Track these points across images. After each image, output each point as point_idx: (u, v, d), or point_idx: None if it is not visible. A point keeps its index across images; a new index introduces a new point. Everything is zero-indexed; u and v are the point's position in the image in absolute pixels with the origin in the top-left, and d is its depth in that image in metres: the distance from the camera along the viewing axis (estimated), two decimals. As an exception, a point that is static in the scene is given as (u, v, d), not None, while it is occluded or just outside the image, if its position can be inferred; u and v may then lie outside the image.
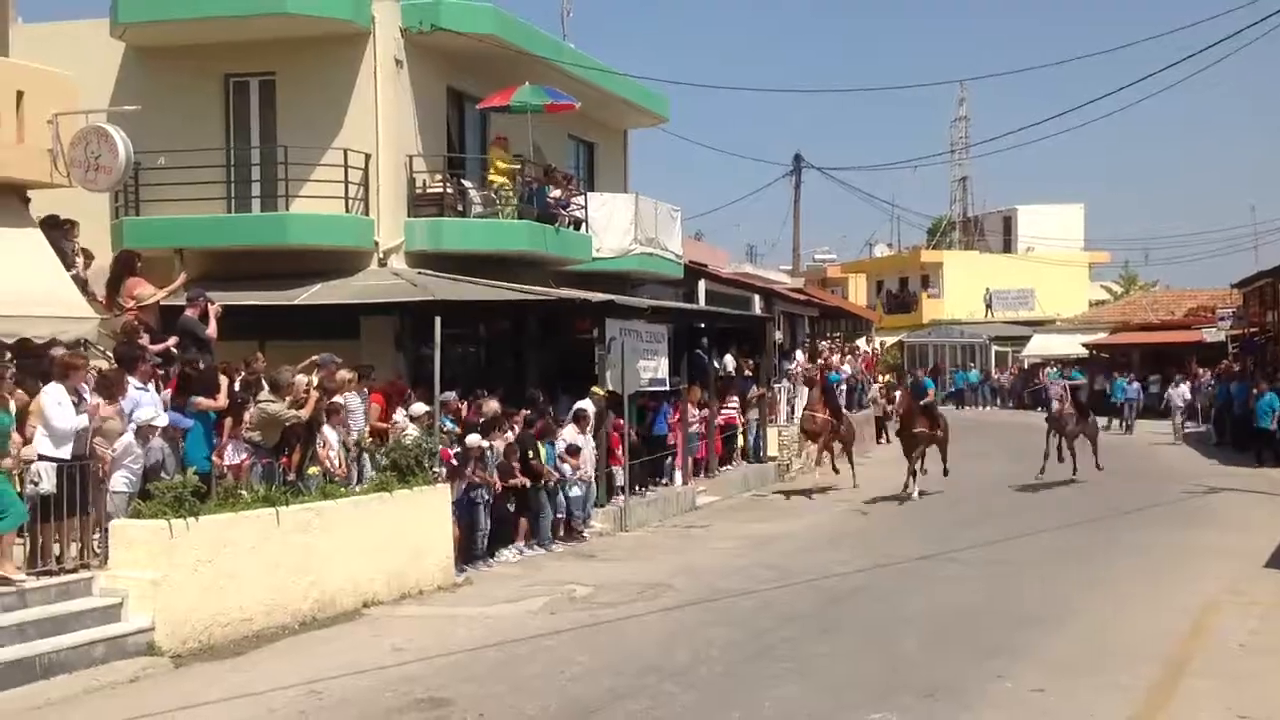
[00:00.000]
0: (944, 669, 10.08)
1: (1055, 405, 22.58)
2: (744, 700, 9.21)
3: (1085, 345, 48.76)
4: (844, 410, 24.44)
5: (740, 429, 24.98)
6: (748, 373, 26.04)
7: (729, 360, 25.50)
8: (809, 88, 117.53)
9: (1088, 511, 19.45)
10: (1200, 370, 36.46)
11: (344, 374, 14.77)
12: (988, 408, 51.03)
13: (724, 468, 23.99)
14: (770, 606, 12.75)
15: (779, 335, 32.22)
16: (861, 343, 42.47)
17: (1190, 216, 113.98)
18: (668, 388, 21.24)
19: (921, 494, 21.57)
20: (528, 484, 16.26)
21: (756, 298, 32.80)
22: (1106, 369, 43.43)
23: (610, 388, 18.83)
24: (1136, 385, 38.64)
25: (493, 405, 16.69)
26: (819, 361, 29.33)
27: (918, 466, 21.87)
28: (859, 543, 17.07)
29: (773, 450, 25.96)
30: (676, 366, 21.87)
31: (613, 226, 23.40)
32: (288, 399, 13.43)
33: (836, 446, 23.91)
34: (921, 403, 22.11)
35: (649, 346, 20.38)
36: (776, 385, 26.90)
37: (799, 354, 32.06)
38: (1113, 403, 38.40)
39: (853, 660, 10.44)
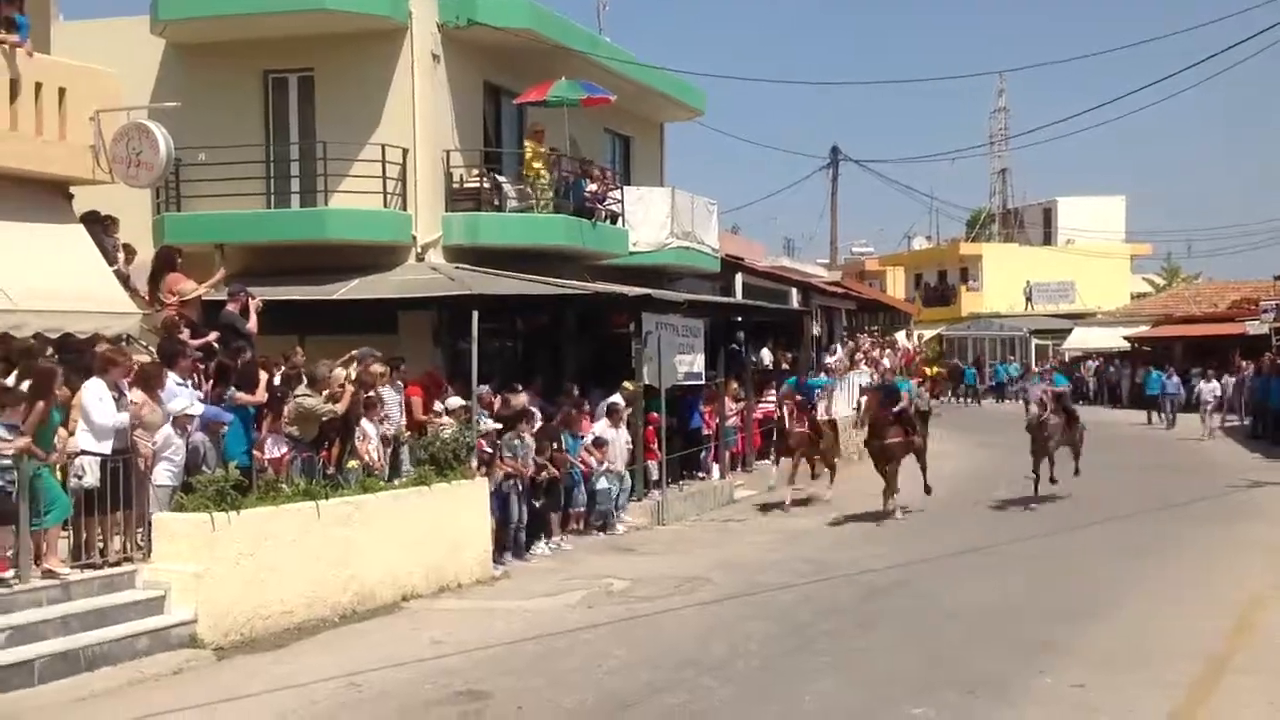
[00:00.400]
0: (985, 664, 10.02)
1: (1034, 409, 19.22)
2: (783, 694, 9.19)
3: (1127, 338, 48.31)
4: (823, 420, 21.10)
5: (778, 423, 24.84)
6: (785, 366, 25.96)
7: (766, 354, 25.43)
8: (846, 79, 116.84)
9: (1129, 506, 19.27)
10: (1243, 363, 36.01)
11: (376, 367, 14.80)
12: (1029, 401, 50.55)
13: (762, 461, 23.91)
14: (808, 600, 12.71)
15: (816, 329, 32.12)
16: (901, 336, 42.05)
17: (1233, 208, 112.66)
18: (704, 381, 21.21)
19: (904, 511, 18.82)
20: (556, 473, 16.26)
21: (794, 291, 32.73)
22: (1145, 362, 43.00)
23: (647, 381, 18.83)
24: (1177, 380, 38.19)
25: (521, 399, 16.72)
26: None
27: (896, 483, 18.84)
28: (896, 537, 16.99)
29: (810, 443, 25.82)
30: (713, 360, 21.82)
31: (649, 220, 23.41)
32: (324, 393, 13.50)
33: (816, 461, 21.26)
34: (895, 409, 18.79)
35: (685, 340, 20.38)
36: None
37: (838, 348, 31.89)
38: (1152, 396, 37.99)
39: (892, 655, 10.40)
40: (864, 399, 19.41)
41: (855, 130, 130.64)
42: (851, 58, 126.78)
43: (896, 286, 63.91)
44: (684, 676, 9.73)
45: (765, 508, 20.21)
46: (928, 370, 37.55)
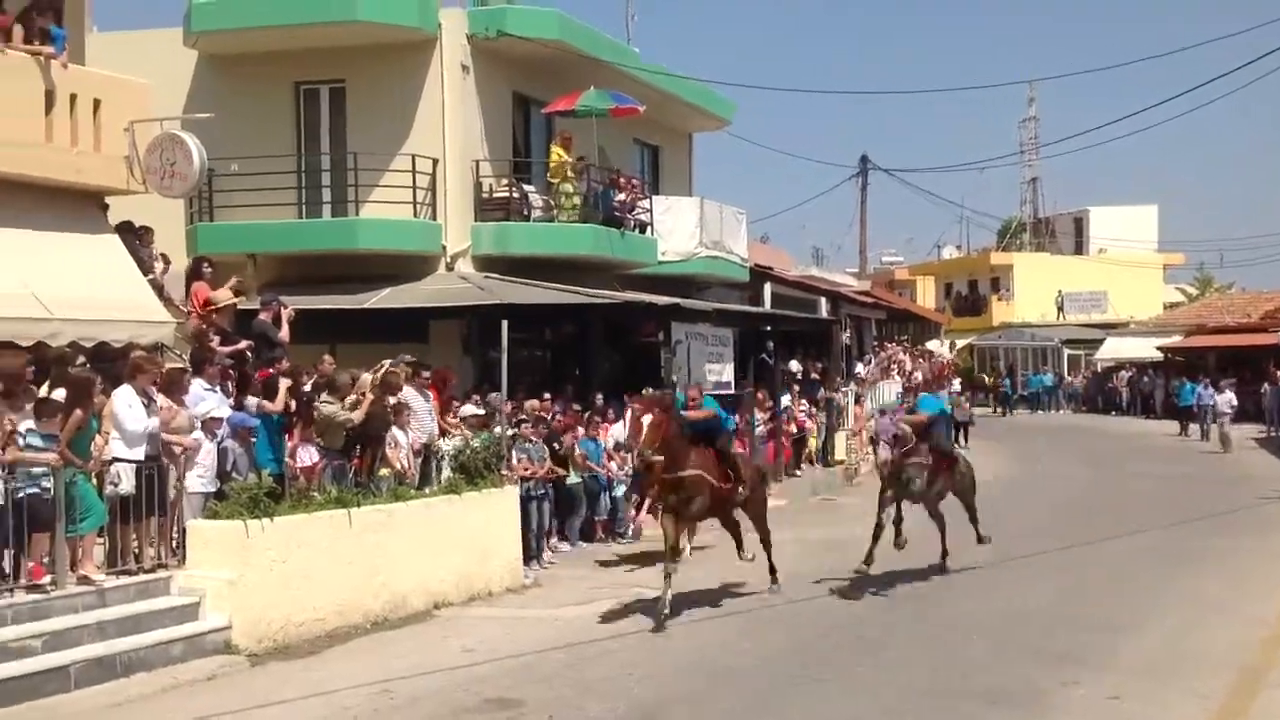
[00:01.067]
0: (1013, 675, 9.96)
1: (883, 453, 13.73)
2: (808, 705, 9.17)
3: (1160, 349, 48.01)
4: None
5: (809, 433, 24.79)
6: (815, 376, 25.93)
7: (795, 364, 25.40)
8: (876, 89, 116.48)
9: (1160, 517, 19.11)
10: (1278, 373, 35.68)
11: (392, 371, 14.74)
12: (1062, 411, 50.48)
13: (795, 472, 23.81)
14: (835, 611, 12.68)
15: (846, 338, 32.06)
16: (935, 345, 41.67)
17: (1266, 217, 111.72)
18: (733, 391, 21.21)
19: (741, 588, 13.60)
20: (561, 473, 16.25)
21: (823, 301, 32.67)
22: (1179, 372, 42.69)
23: (677, 390, 18.80)
24: (1211, 390, 37.81)
25: (532, 403, 16.78)
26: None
27: (687, 543, 14.14)
28: (925, 548, 16.84)
29: (840, 454, 25.76)
30: (743, 370, 21.81)
31: (678, 230, 23.52)
32: (348, 400, 13.55)
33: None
34: (691, 423, 12.74)
35: (715, 350, 20.42)
36: (844, 389, 26.72)
37: (871, 358, 31.74)
38: (1186, 407, 37.67)
39: (919, 666, 10.35)
40: (637, 410, 13.06)
41: (885, 138, 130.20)
42: (882, 66, 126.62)
43: (927, 296, 63.66)
44: (712, 687, 9.73)
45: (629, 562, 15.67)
46: (987, 379, 37.19)
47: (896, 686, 9.69)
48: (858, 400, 26.72)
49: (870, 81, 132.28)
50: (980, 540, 14.91)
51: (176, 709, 9.19)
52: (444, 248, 19.57)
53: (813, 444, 25.04)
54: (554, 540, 16.20)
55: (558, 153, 20.70)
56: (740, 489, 13.15)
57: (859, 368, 29.97)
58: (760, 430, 22.22)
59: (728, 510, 13.42)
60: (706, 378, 19.76)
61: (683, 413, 12.81)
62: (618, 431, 17.85)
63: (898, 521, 14.02)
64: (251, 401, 13.05)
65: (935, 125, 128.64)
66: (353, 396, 13.63)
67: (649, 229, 22.74)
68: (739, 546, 13.70)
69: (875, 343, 36.44)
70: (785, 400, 23.64)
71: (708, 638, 11.56)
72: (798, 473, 24.10)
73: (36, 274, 12.49)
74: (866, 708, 9.13)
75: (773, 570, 13.64)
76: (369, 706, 9.24)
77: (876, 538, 13.63)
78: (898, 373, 29.54)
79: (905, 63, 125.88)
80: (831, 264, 53.43)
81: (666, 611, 11.88)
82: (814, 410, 24.97)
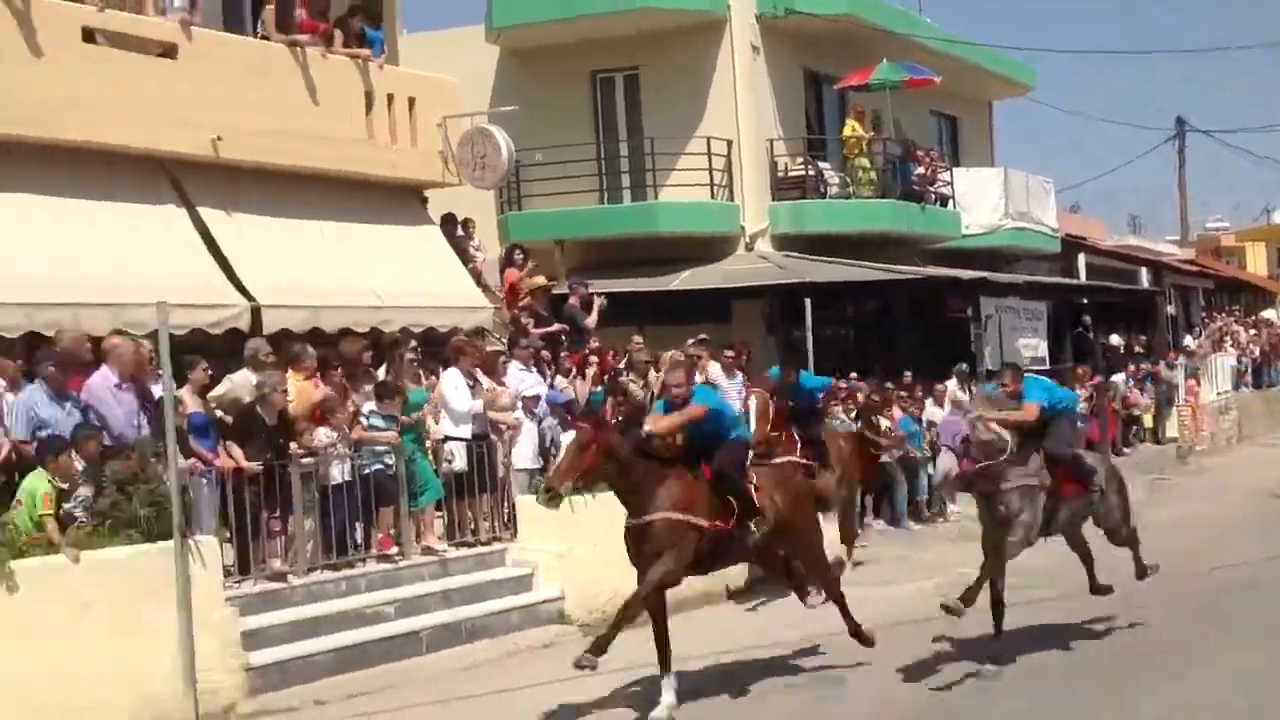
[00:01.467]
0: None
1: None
2: (1137, 701, 8.40)
3: None
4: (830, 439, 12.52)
5: (1140, 409, 23.40)
6: (1138, 350, 24.53)
7: (1115, 338, 24.15)
8: (1191, 48, 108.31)
9: None
10: None
11: (639, 351, 14.69)
12: None
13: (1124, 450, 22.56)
14: (1162, 600, 11.47)
15: (1171, 310, 30.18)
16: (1271, 314, 38.50)
17: None
18: (1047, 366, 20.24)
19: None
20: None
21: (1143, 271, 30.92)
22: None
23: (988, 365, 18.15)
24: None
25: None
26: None
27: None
28: (1267, 531, 15.41)
29: (1172, 432, 24.18)
30: (1058, 344, 20.88)
31: (981, 202, 22.88)
32: (649, 376, 13.65)
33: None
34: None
35: (1027, 324, 19.63)
36: (1176, 363, 25.07)
37: (1200, 330, 29.68)
38: None
39: (1259, 661, 9.24)
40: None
41: (1203, 98, 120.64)
42: (1197, 21, 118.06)
43: (1258, 263, 58.87)
44: (1025, 677, 9.18)
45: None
46: None
47: (1239, 684, 8.68)
48: (1191, 375, 25.05)
49: (1185, 38, 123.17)
50: (1142, 574, 10.79)
51: (519, 673, 9.43)
52: (742, 228, 19.57)
53: (1147, 420, 23.60)
54: (869, 519, 15.83)
55: (852, 126, 20.36)
56: (752, 525, 9.03)
57: (1188, 340, 28.06)
58: (1082, 407, 21.09)
59: (733, 555, 9.48)
60: (1021, 353, 19.02)
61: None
62: (929, 410, 17.33)
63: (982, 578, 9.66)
64: (561, 382, 13.34)
65: (1258, 82, 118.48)
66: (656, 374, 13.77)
67: (950, 202, 22.03)
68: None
69: (1204, 314, 34.01)
70: (1119, 377, 22.48)
71: (1027, 624, 10.80)
72: (1125, 451, 22.81)
73: (368, 264, 13.11)
74: (1207, 708, 8.27)
75: (856, 633, 9.59)
76: (701, 678, 9.20)
77: (996, 610, 9.89)
78: (1231, 345, 27.51)
79: (1223, 16, 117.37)
80: (1150, 232, 50.31)
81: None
82: (1140, 386, 23.61)
